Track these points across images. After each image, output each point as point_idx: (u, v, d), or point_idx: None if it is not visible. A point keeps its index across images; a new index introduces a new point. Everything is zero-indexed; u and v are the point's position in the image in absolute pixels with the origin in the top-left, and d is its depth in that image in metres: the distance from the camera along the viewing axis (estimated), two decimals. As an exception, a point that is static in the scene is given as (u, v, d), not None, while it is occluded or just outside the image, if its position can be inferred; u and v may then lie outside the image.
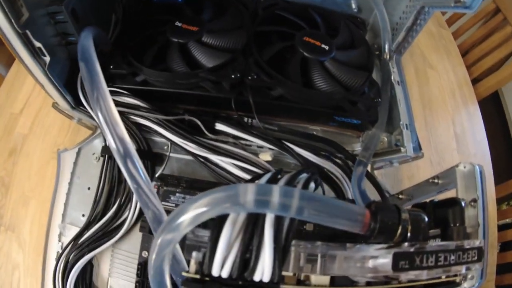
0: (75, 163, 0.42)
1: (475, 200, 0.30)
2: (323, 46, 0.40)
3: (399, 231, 0.21)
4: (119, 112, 0.26)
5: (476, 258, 0.24)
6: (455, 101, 0.63)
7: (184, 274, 0.22)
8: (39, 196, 0.48)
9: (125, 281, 0.39)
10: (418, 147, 0.39)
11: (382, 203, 0.23)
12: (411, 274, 0.21)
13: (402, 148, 0.38)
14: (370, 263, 0.22)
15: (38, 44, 0.31)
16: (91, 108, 0.39)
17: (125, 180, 0.39)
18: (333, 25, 0.43)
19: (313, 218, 0.20)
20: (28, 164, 0.51)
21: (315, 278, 0.23)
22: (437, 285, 0.26)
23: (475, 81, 0.71)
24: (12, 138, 0.54)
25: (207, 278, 0.21)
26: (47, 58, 0.32)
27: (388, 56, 0.41)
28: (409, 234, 0.21)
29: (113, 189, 0.39)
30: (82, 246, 0.38)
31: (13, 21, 0.28)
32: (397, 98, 0.40)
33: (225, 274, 0.20)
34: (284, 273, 0.23)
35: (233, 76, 0.37)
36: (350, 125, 0.39)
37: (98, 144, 0.43)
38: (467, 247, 0.24)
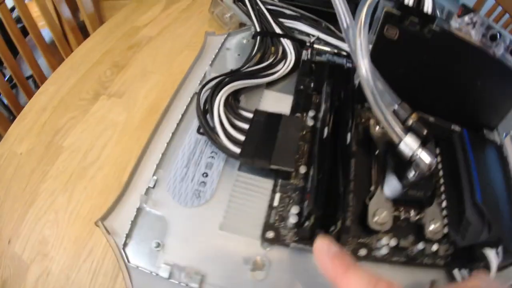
0: (224, 42, 0.50)
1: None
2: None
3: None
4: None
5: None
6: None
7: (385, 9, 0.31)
8: (164, 72, 0.51)
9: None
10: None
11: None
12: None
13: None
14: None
15: None
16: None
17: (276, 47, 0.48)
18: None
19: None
20: (153, 52, 0.55)
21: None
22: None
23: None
24: (135, 37, 0.58)
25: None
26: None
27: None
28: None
29: (265, 54, 0.47)
30: (239, 74, 0.42)
31: None
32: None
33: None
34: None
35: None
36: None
37: (247, 35, 0.51)
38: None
